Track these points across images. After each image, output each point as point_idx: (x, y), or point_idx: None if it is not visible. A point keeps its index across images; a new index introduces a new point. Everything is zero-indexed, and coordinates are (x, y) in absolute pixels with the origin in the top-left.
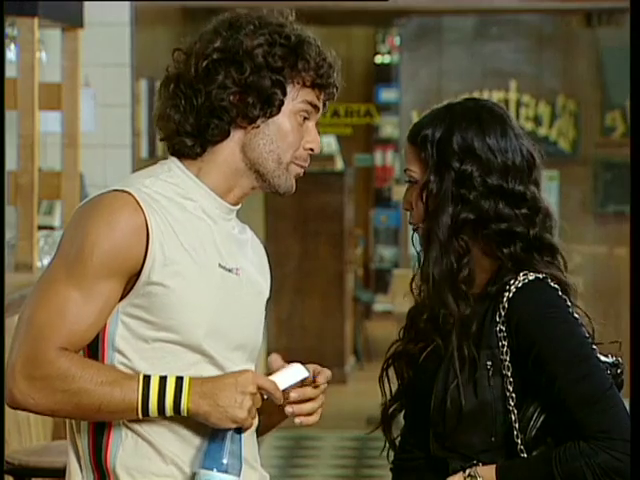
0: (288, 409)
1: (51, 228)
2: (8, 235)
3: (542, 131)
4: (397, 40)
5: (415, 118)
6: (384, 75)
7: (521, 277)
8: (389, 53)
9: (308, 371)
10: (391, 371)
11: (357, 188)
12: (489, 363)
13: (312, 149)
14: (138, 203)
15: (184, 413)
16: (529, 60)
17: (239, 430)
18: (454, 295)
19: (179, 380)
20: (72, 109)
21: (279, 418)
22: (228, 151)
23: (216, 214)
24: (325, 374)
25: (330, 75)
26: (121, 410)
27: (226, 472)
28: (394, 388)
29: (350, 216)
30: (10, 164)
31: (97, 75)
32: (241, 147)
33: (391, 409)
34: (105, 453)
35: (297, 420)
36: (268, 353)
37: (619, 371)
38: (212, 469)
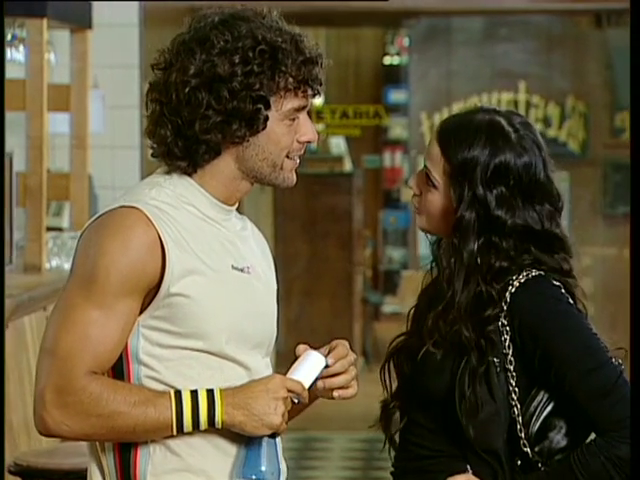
0: (321, 385)
1: (60, 229)
2: (17, 236)
3: (551, 132)
4: (406, 41)
5: (424, 119)
6: (393, 76)
7: (524, 273)
8: (398, 54)
9: (325, 359)
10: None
11: (366, 189)
12: (496, 360)
13: (308, 140)
14: (148, 218)
15: (218, 425)
16: (538, 61)
17: (273, 435)
18: (486, 284)
19: (210, 393)
20: (81, 110)
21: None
22: (223, 164)
23: (218, 217)
24: (337, 352)
25: (311, 73)
26: (156, 429)
27: (265, 479)
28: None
29: (359, 217)
30: (19, 165)
31: (106, 76)
32: (235, 158)
33: (390, 405)
34: (134, 470)
35: (335, 394)
36: (277, 354)
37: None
38: (252, 477)
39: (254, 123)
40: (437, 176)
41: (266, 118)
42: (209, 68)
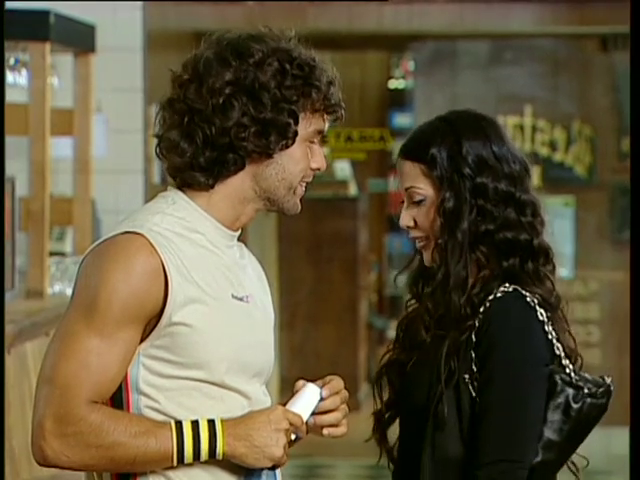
0: (311, 421)
1: (62, 254)
2: (19, 261)
3: (558, 156)
4: (411, 65)
5: None
6: (398, 100)
7: (501, 289)
8: (403, 78)
9: (320, 390)
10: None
11: (371, 213)
12: (466, 376)
13: (318, 168)
14: (152, 245)
15: (219, 457)
16: (544, 85)
17: (274, 467)
18: (467, 303)
19: (211, 424)
20: (84, 134)
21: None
22: (239, 182)
23: (222, 243)
24: (332, 385)
25: (337, 97)
26: (156, 460)
27: None
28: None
29: (364, 242)
30: (21, 190)
31: (109, 100)
32: (252, 177)
33: (384, 418)
34: None
35: (325, 432)
36: (281, 380)
37: (600, 390)
38: None
39: (286, 136)
40: (420, 185)
41: (295, 133)
42: (247, 76)
